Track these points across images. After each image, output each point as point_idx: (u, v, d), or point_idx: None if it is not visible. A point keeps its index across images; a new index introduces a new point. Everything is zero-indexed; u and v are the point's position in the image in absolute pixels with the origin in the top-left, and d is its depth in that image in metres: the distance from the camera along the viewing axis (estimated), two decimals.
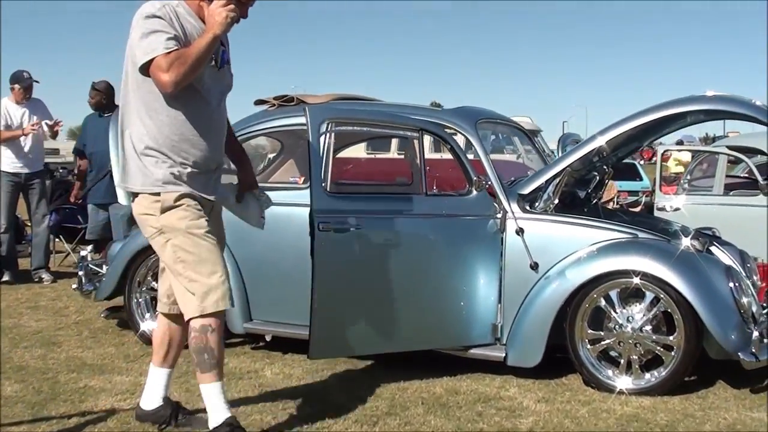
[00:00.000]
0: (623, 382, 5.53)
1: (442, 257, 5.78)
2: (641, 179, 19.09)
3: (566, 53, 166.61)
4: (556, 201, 5.90)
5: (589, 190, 7.03)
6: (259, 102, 6.71)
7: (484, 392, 5.55)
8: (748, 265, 6.57)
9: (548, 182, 5.92)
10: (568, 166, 5.90)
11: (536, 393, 5.55)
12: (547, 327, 5.63)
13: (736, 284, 5.51)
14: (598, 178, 7.00)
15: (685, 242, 5.69)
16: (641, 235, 5.77)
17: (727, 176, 10.31)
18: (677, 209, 9.49)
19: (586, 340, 5.64)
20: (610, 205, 14.81)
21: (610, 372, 5.59)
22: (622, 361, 5.59)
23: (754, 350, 5.36)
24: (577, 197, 7.00)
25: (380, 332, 5.66)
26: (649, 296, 5.50)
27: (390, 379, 5.80)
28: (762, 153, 9.99)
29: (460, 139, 6.34)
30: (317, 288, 5.29)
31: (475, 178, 5.81)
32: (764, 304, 6.33)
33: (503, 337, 5.84)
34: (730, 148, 10.09)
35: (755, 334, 5.37)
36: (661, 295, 5.44)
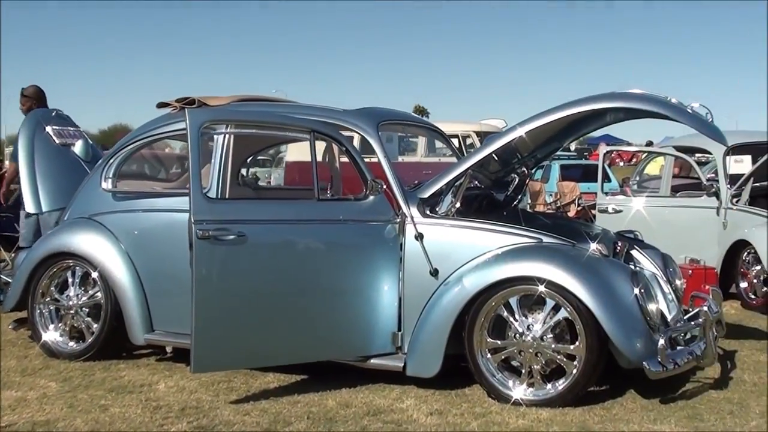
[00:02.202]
0: (523, 392, 5.27)
1: (337, 264, 5.53)
2: (609, 181, 18.78)
3: (553, 53, 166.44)
4: (458, 204, 5.63)
5: (509, 193, 6.77)
6: (161, 105, 6.47)
7: (378, 405, 5.29)
8: (671, 269, 6.34)
9: (449, 185, 5.65)
10: (469, 168, 5.63)
11: (431, 405, 5.28)
12: (444, 336, 5.38)
13: (642, 290, 5.24)
14: (518, 180, 6.74)
15: (591, 247, 5.42)
16: (546, 239, 5.50)
17: (674, 177, 10.04)
18: (619, 211, 9.23)
19: (487, 349, 5.38)
20: (571, 207, 14.63)
21: (510, 382, 5.33)
22: (523, 371, 5.32)
23: (660, 359, 5.09)
24: (495, 200, 6.75)
25: (270, 345, 5.42)
26: (550, 303, 5.23)
27: (286, 392, 5.56)
28: (706, 152, 9.74)
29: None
30: (197, 300, 5.08)
31: (369, 181, 5.55)
32: (689, 308, 6.09)
33: (404, 346, 5.58)
34: (677, 148, 9.83)
35: (661, 342, 5.09)
36: (562, 303, 5.18)
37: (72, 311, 6.50)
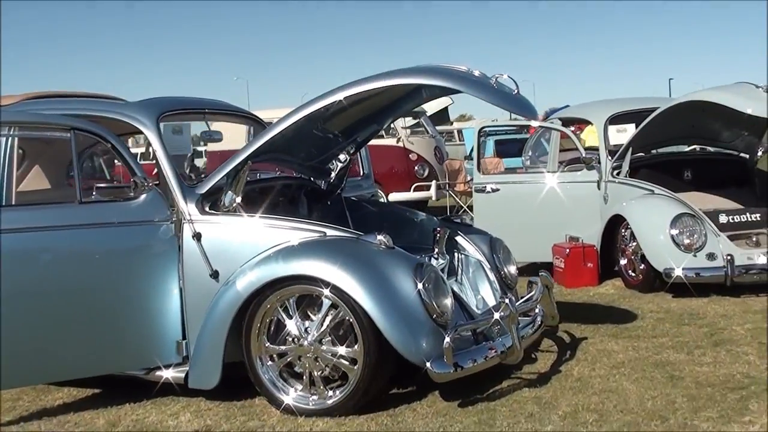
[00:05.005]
0: (296, 400, 4.85)
1: (106, 271, 5.07)
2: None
3: (514, 24, 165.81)
4: (239, 198, 5.16)
5: (331, 180, 6.31)
6: None
7: (148, 423, 4.88)
8: (500, 255, 5.88)
9: (228, 177, 5.20)
10: (248, 158, 5.16)
11: (205, 420, 4.87)
12: (221, 344, 4.94)
13: (428, 284, 4.77)
14: (340, 166, 6.28)
15: (375, 239, 4.95)
16: (330, 232, 5.05)
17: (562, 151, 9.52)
18: (496, 190, 8.75)
19: (267, 356, 4.94)
20: None
21: (292, 390, 4.89)
22: (305, 378, 4.89)
23: (446, 359, 4.64)
24: (318, 189, 6.31)
25: (38, 361, 4.93)
26: (326, 303, 4.78)
27: (67, 409, 5.21)
28: (588, 123, 9.26)
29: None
30: None
31: (133, 180, 5.09)
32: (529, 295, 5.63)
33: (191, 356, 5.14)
34: (563, 120, 9.33)
35: (446, 340, 4.64)
36: (337, 302, 4.73)
37: None
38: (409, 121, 16.02)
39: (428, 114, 18.75)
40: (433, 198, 15.06)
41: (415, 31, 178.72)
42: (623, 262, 8.02)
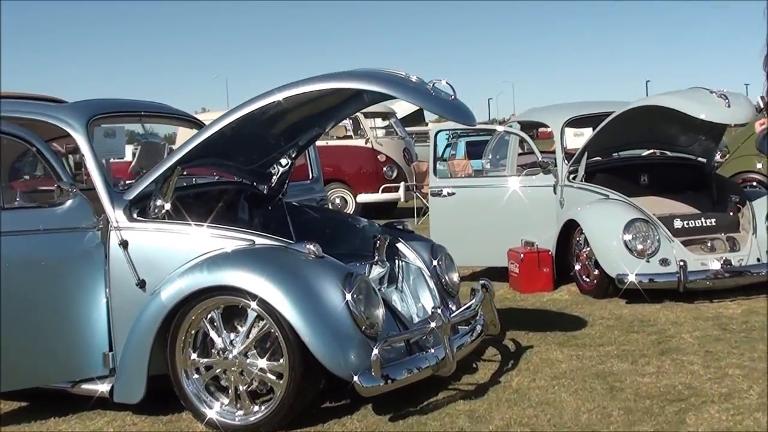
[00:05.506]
0: (229, 416, 4.72)
1: (30, 280, 4.90)
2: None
3: (493, 23, 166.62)
4: (168, 205, 5.02)
5: (272, 185, 6.17)
6: None
7: None
8: (439, 262, 5.76)
9: (157, 183, 5.06)
10: (177, 163, 5.02)
11: None
12: (145, 356, 4.79)
13: (357, 294, 4.64)
14: (281, 171, 6.14)
15: (304, 248, 4.81)
16: (259, 240, 4.91)
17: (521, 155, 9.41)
18: (452, 194, 8.62)
19: (193, 369, 4.80)
20: None
21: (217, 405, 4.75)
22: (230, 392, 4.75)
23: (374, 372, 4.51)
24: (259, 194, 6.17)
25: None
26: (251, 315, 4.65)
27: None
28: (545, 126, 9.16)
29: None
30: None
31: (56, 185, 4.94)
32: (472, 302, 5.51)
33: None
34: (521, 124, 9.22)
35: (374, 353, 4.51)
36: (262, 314, 4.60)
37: None
38: (379, 122, 15.91)
39: (403, 115, 18.65)
40: (402, 199, 14.95)
41: (400, 30, 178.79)
42: (578, 267, 7.92)
